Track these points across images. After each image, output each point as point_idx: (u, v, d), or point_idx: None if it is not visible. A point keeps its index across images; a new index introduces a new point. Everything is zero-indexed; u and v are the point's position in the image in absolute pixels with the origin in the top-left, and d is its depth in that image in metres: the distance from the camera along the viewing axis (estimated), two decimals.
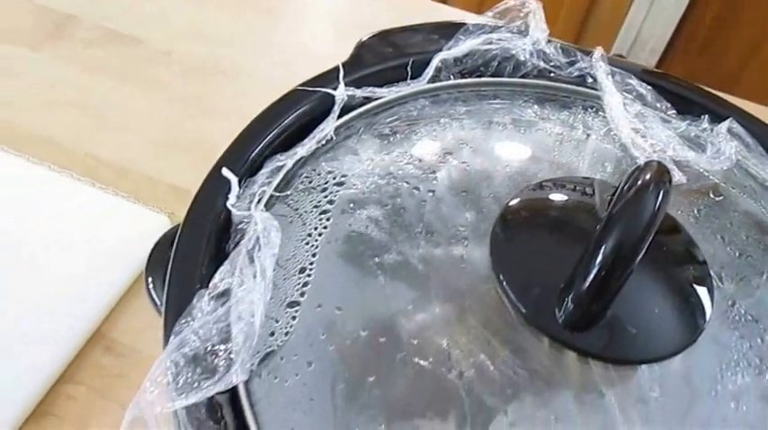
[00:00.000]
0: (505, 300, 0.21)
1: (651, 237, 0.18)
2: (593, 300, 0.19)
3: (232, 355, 0.18)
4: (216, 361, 0.18)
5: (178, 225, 0.24)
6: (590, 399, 0.20)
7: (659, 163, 0.19)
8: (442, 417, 0.19)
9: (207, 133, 0.52)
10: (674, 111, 0.29)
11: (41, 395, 0.37)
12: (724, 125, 0.28)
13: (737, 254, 0.23)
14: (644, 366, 0.20)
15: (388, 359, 0.20)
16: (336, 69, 0.27)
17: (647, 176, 0.19)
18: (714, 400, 0.20)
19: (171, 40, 0.58)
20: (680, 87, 0.30)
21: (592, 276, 0.19)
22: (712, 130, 0.28)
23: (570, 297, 0.19)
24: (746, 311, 0.22)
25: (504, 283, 0.21)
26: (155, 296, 0.25)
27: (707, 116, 0.29)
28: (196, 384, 0.17)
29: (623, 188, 0.19)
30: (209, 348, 0.18)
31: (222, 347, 0.18)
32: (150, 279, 0.25)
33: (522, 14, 0.30)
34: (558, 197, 0.23)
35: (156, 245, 0.26)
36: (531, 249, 0.22)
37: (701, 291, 0.21)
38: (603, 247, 0.18)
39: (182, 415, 0.17)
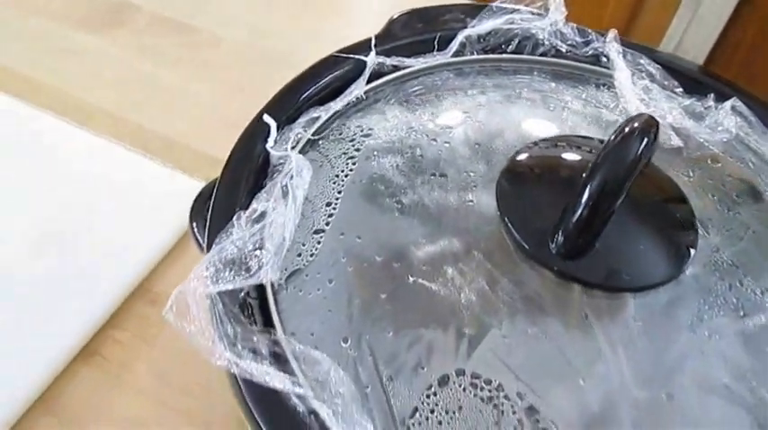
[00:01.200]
0: (507, 236, 0.23)
1: (633, 178, 0.21)
2: (581, 234, 0.22)
3: (263, 260, 0.21)
4: (250, 262, 0.21)
5: (216, 179, 0.27)
6: (576, 322, 0.22)
7: (647, 115, 0.22)
8: (443, 329, 0.22)
9: (250, 114, 0.56)
10: (682, 90, 0.31)
11: (88, 337, 0.40)
12: (728, 103, 0.30)
13: (726, 210, 0.25)
14: (629, 296, 0.22)
15: (399, 281, 0.23)
16: (369, 40, 0.30)
17: (634, 125, 0.21)
18: (692, 333, 0.22)
19: (223, 29, 0.62)
20: (688, 68, 0.32)
21: (578, 212, 0.21)
22: (717, 108, 0.30)
23: (561, 231, 0.22)
24: (729, 258, 0.24)
25: (507, 221, 0.23)
26: (198, 237, 0.28)
27: (712, 95, 0.31)
28: (231, 277, 0.20)
29: (612, 136, 0.22)
30: (244, 254, 0.21)
31: (256, 253, 0.21)
32: (194, 223, 0.29)
33: None
34: (559, 151, 0.25)
35: (199, 195, 0.29)
36: (532, 194, 0.24)
37: (687, 235, 0.23)
38: (589, 187, 0.21)
39: (219, 308, 0.20)
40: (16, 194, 0.46)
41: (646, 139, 0.21)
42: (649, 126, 0.21)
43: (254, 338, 0.19)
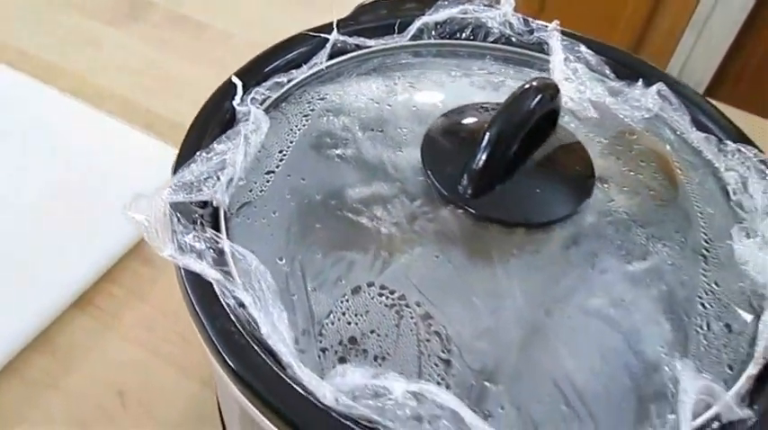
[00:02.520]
0: (426, 181, 0.27)
1: (527, 128, 0.24)
2: (482, 176, 0.25)
3: (214, 186, 0.25)
4: (202, 187, 0.25)
5: None
6: (479, 253, 0.25)
7: (547, 78, 0.25)
8: (363, 252, 0.25)
9: None
10: (614, 75, 0.35)
11: (85, 289, 0.45)
12: (654, 87, 0.34)
13: (628, 170, 0.29)
14: (529, 232, 0.26)
15: (333, 214, 0.27)
16: (333, 22, 0.35)
17: (532, 84, 0.25)
18: (583, 269, 0.26)
19: (235, 27, 0.67)
20: (623, 56, 0.35)
21: (478, 157, 0.25)
22: (644, 91, 0.34)
23: (467, 174, 0.26)
24: (623, 210, 0.27)
25: (426, 168, 0.27)
26: None
27: (641, 80, 0.34)
28: (185, 194, 0.24)
29: (514, 93, 0.25)
30: (199, 181, 0.25)
31: (209, 181, 0.25)
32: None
33: None
34: (480, 113, 0.29)
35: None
36: (450, 146, 0.28)
37: (584, 185, 0.27)
38: (488, 135, 0.25)
39: (172, 217, 0.24)
40: (29, 161, 0.51)
41: (540, 96, 0.25)
42: (546, 87, 0.25)
43: (198, 239, 0.23)
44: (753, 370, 0.24)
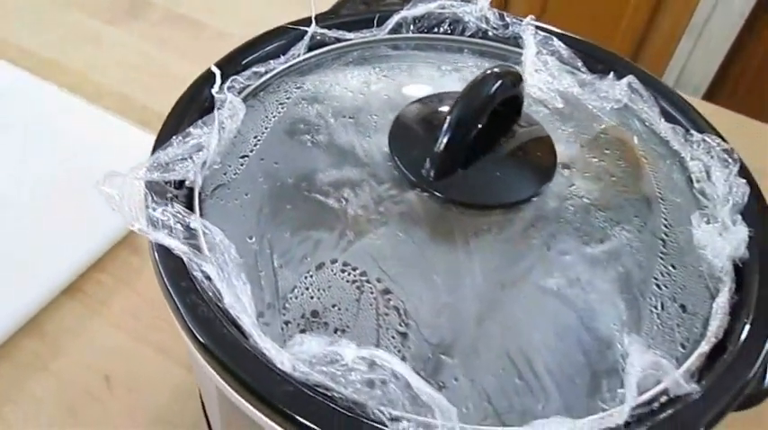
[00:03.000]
0: (394, 165, 0.28)
1: (486, 111, 0.25)
2: (444, 159, 0.26)
3: (188, 167, 0.26)
4: (176, 167, 0.26)
5: None
6: (442, 233, 0.26)
7: (508, 66, 0.26)
8: (330, 231, 0.26)
9: None
10: (586, 68, 0.35)
11: (74, 277, 0.46)
12: (625, 80, 0.34)
13: (592, 157, 0.30)
14: (491, 214, 0.27)
15: (303, 197, 0.28)
16: (311, 16, 0.36)
17: (492, 71, 0.26)
18: (542, 249, 0.26)
19: (234, 27, 0.68)
20: (596, 50, 0.36)
21: (440, 140, 0.26)
22: (615, 83, 0.35)
23: (430, 158, 0.26)
24: (583, 194, 0.28)
25: (393, 153, 0.28)
26: None
27: (613, 73, 0.35)
28: (162, 172, 0.26)
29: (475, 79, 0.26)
30: (174, 162, 0.26)
31: (185, 161, 0.26)
32: None
33: None
34: (447, 101, 0.30)
35: None
36: (417, 132, 0.29)
37: (546, 170, 0.28)
38: (449, 119, 0.26)
39: (146, 194, 0.25)
40: (27, 154, 0.53)
41: (500, 82, 0.26)
42: (506, 74, 0.26)
43: (168, 215, 0.24)
44: (704, 348, 0.25)
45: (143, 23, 0.67)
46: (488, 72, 0.26)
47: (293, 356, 0.22)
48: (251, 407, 0.22)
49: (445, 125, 0.26)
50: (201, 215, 0.27)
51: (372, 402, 0.21)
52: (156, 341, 0.44)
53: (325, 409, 0.21)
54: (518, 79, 0.27)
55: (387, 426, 0.20)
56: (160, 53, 0.66)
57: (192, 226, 0.24)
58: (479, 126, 0.26)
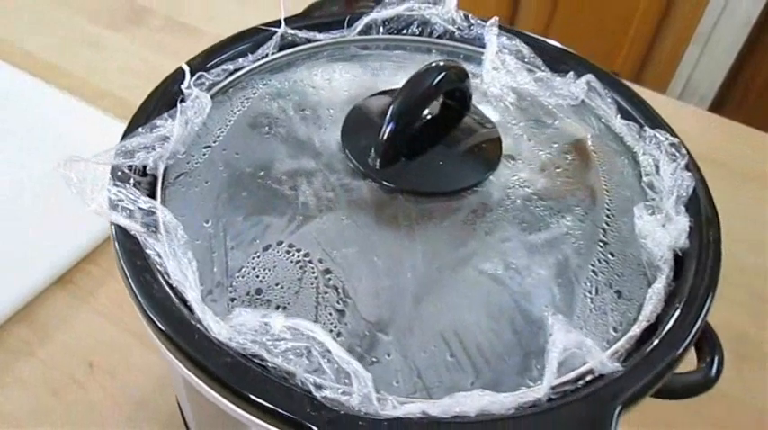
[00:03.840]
0: (344, 155, 0.29)
1: (427, 102, 0.27)
2: (387, 147, 0.27)
3: (149, 155, 0.28)
4: (137, 154, 0.28)
5: None
6: (387, 217, 0.28)
7: (453, 61, 0.28)
8: (280, 216, 0.28)
9: None
10: (546, 67, 0.37)
11: (66, 269, 0.48)
12: (584, 78, 0.36)
13: (539, 150, 0.31)
14: (430, 201, 0.28)
15: (259, 184, 0.29)
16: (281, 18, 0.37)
17: (437, 64, 0.27)
18: (484, 236, 0.28)
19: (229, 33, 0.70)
20: (557, 51, 0.37)
21: (384, 129, 0.27)
22: (574, 82, 0.36)
23: (374, 147, 0.28)
24: (527, 184, 0.29)
25: (344, 144, 0.29)
26: None
27: (572, 72, 0.36)
28: (124, 158, 0.27)
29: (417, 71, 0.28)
30: (139, 149, 0.28)
31: (147, 149, 0.28)
32: None
33: None
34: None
35: None
36: (367, 124, 0.30)
37: (490, 162, 0.29)
38: (391, 110, 0.27)
39: (110, 180, 0.27)
40: (26, 154, 0.55)
41: (442, 74, 0.27)
42: (449, 67, 0.27)
43: (123, 197, 0.26)
44: (635, 331, 0.26)
45: (144, 30, 0.70)
46: (430, 65, 0.27)
47: (232, 328, 0.23)
48: (194, 377, 0.24)
49: (387, 115, 0.27)
50: (164, 201, 0.29)
51: (300, 370, 0.22)
52: (139, 331, 0.46)
53: (258, 377, 0.22)
54: (462, 74, 0.28)
55: (312, 393, 0.22)
56: (158, 58, 0.68)
57: (142, 206, 0.26)
58: (421, 116, 0.27)
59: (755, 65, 1.22)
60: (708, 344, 0.31)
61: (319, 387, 0.21)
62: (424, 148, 0.29)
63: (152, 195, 0.29)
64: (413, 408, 0.22)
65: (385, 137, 0.27)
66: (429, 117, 0.30)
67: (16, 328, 0.45)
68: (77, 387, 0.43)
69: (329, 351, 0.22)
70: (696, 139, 0.42)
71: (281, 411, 0.21)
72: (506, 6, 1.39)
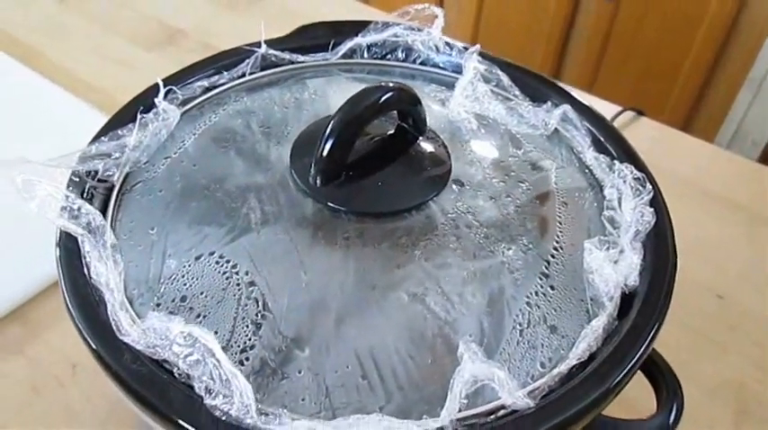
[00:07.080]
0: (291, 173, 0.30)
1: (365, 121, 0.27)
2: (326, 164, 0.28)
3: (108, 163, 0.29)
4: (99, 164, 0.29)
5: None
6: (325, 235, 0.28)
7: (402, 85, 0.28)
8: (219, 227, 0.28)
9: None
10: (523, 96, 0.36)
11: None
12: (560, 109, 0.35)
13: (492, 178, 0.30)
14: (371, 222, 0.28)
15: (209, 196, 0.30)
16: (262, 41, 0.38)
17: (383, 84, 0.27)
18: (421, 260, 0.27)
19: None
20: (535, 80, 0.37)
21: (320, 145, 0.27)
22: (550, 112, 0.35)
23: (314, 164, 0.28)
24: (471, 211, 0.29)
25: (290, 162, 0.30)
26: None
27: (549, 102, 0.35)
28: (85, 165, 0.29)
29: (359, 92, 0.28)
30: (98, 158, 0.29)
31: (106, 158, 0.29)
32: None
33: (424, 15, 0.39)
34: None
35: None
36: (315, 143, 0.30)
37: (436, 186, 0.29)
38: (330, 125, 0.27)
39: (60, 185, 0.28)
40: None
41: (386, 94, 0.27)
42: (394, 89, 0.27)
43: (65, 201, 0.27)
44: (562, 368, 0.25)
45: (175, 50, 0.73)
46: (374, 86, 0.27)
47: (142, 331, 0.24)
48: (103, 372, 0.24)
49: (326, 132, 0.27)
50: (118, 207, 0.30)
51: (197, 374, 0.22)
52: None
53: (147, 375, 0.23)
54: (411, 97, 0.28)
55: (204, 399, 0.22)
56: None
57: (72, 207, 0.27)
58: (360, 134, 0.27)
59: None
60: (668, 389, 0.29)
61: (211, 393, 0.21)
62: (371, 169, 0.29)
63: (106, 201, 0.30)
64: (301, 425, 0.21)
65: (323, 153, 0.28)
66: (378, 138, 0.30)
67: (10, 327, 0.47)
68: (58, 386, 0.44)
69: (219, 360, 0.22)
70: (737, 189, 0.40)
71: (162, 410, 0.21)
72: (552, 58, 1.38)
